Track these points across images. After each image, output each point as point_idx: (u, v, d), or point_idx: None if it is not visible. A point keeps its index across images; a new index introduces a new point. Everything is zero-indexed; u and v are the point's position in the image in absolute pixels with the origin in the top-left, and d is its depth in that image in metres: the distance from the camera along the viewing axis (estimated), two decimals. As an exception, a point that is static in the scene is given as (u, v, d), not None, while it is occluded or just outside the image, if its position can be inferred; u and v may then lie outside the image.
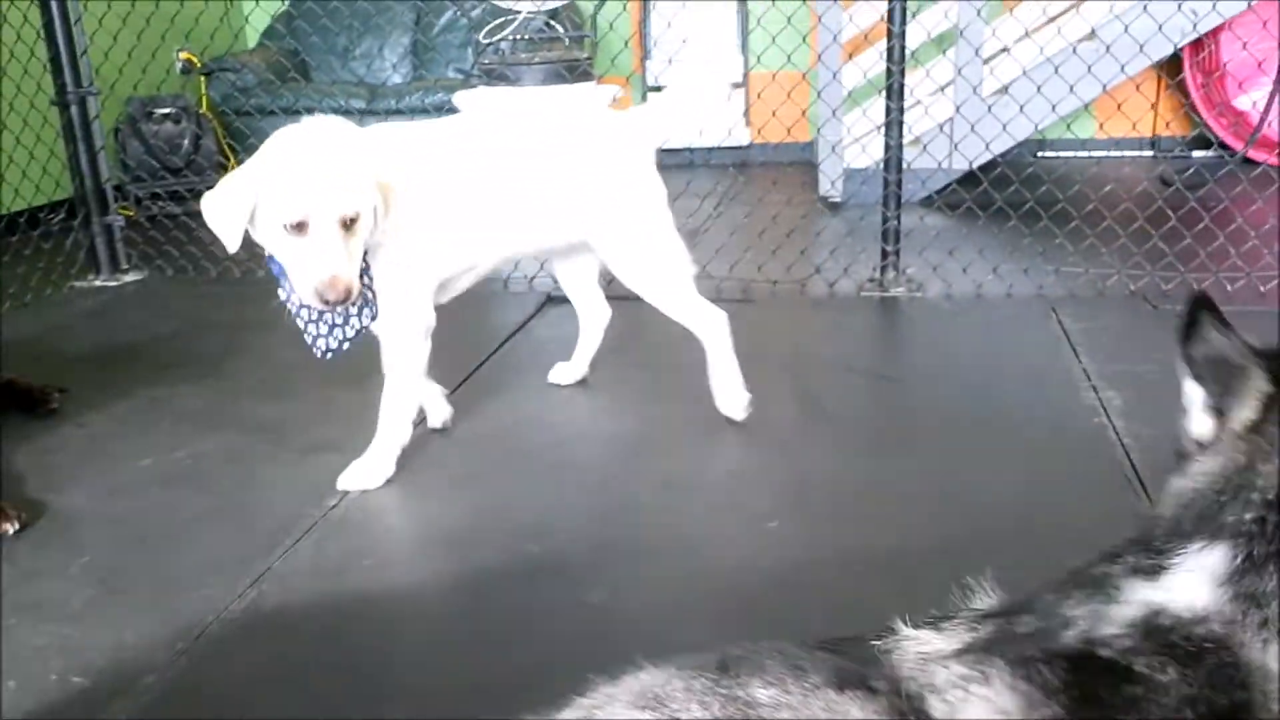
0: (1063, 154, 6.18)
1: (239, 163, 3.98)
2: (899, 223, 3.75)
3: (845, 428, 2.69)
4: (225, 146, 5.99)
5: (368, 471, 2.41)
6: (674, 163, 5.75)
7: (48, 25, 4.10)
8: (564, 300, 3.65)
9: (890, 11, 3.59)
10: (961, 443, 2.56)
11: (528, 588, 1.99)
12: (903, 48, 3.60)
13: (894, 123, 3.67)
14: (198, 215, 2.18)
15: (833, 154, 4.82)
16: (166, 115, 5.66)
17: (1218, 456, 0.90)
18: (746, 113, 6.53)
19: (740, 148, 6.47)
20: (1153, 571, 0.84)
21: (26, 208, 4.82)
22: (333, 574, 2.11)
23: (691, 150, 6.36)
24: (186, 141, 5.68)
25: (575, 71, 4.46)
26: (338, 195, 1.98)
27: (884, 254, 3.77)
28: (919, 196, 4.81)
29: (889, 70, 3.62)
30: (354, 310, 2.15)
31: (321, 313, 2.13)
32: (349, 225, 2.00)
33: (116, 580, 2.11)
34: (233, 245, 2.08)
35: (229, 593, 2.03)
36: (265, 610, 1.99)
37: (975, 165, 4.35)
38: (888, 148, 3.68)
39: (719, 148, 6.38)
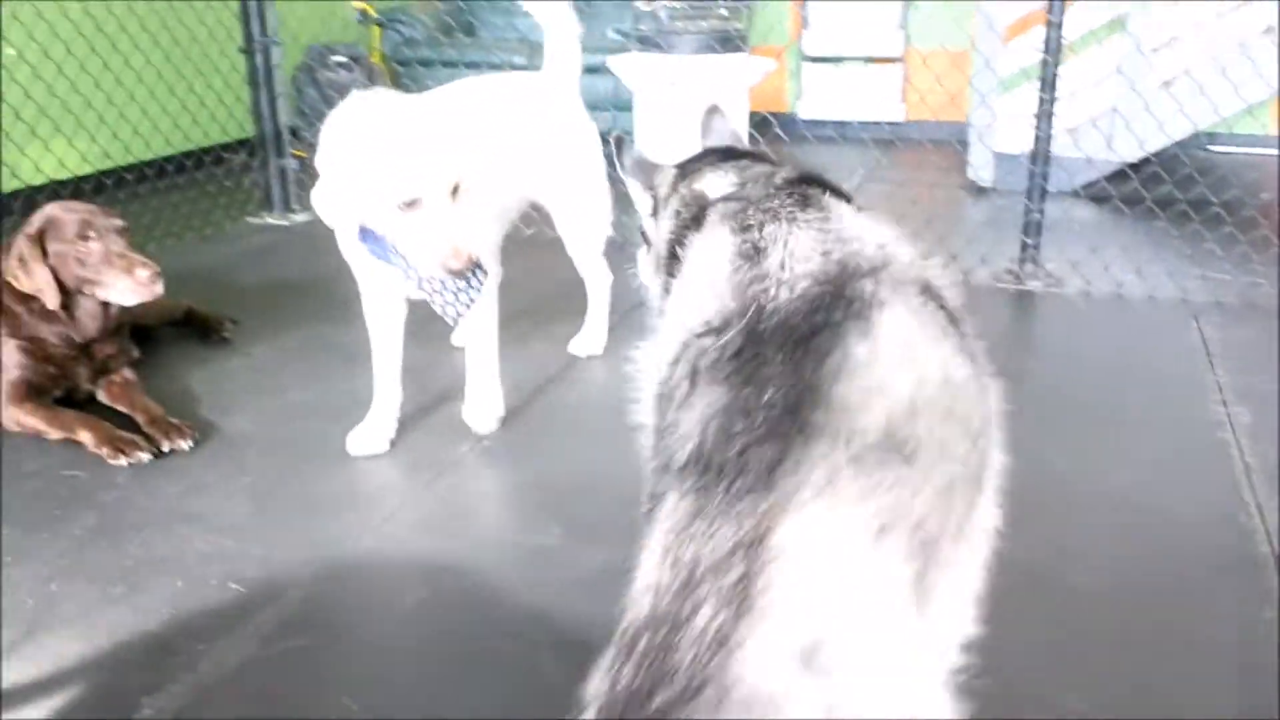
0: (1231, 149, 5.92)
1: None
2: (1041, 216, 3.71)
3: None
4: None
5: (486, 414, 2.57)
6: (823, 134, 5.75)
7: (241, -23, 4.38)
8: None
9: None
10: (1077, 446, 2.58)
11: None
12: (1059, 38, 3.54)
13: (1044, 114, 3.63)
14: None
15: (982, 139, 4.76)
16: (341, 63, 5.96)
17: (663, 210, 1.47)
18: (902, 88, 6.46)
19: (894, 124, 6.42)
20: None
21: (211, 145, 5.19)
22: (457, 517, 2.29)
23: (843, 124, 6.34)
24: (359, 87, 5.97)
25: (728, 42, 4.53)
26: (442, 167, 1.99)
27: (1023, 246, 3.75)
28: (1069, 187, 4.72)
29: (1044, 61, 3.57)
30: (473, 276, 2.22)
31: (443, 281, 2.21)
32: (454, 193, 2.02)
33: (271, 501, 2.35)
34: (350, 235, 2.15)
35: (364, 524, 2.24)
36: (390, 545, 2.18)
37: (1130, 162, 4.24)
38: (1036, 140, 3.65)
39: (871, 123, 6.35)
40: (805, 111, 6.49)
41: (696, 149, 1.57)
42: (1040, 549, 2.03)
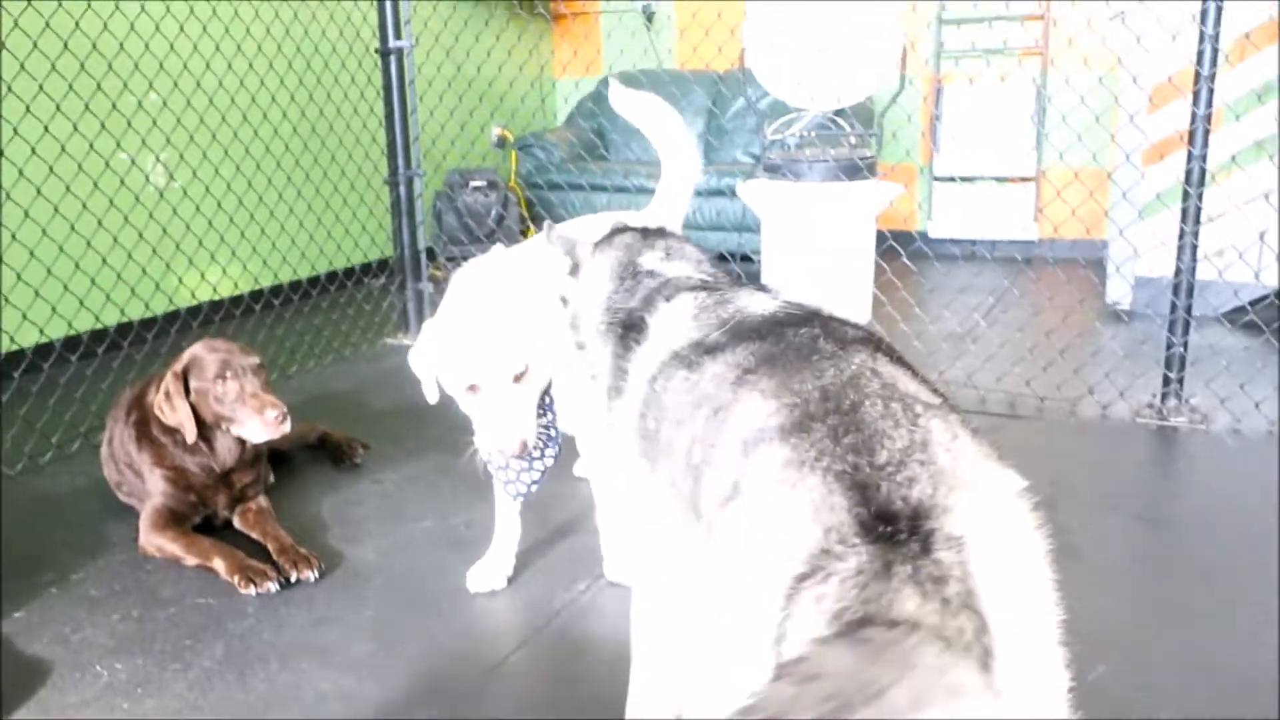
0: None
1: (536, 231, 4.32)
2: (1185, 349, 3.57)
3: (1098, 572, 2.60)
4: (527, 215, 6.49)
5: (619, 565, 2.57)
6: (956, 252, 5.68)
7: (389, 116, 4.64)
8: None
9: (1191, 130, 3.45)
10: (1224, 603, 2.42)
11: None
12: (1203, 169, 3.45)
13: (1187, 245, 3.52)
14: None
15: (1123, 264, 4.63)
16: (478, 187, 6.21)
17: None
18: (1036, 207, 6.37)
19: (1028, 242, 6.32)
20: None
21: (352, 266, 5.45)
22: (572, 660, 2.27)
23: (975, 242, 6.27)
24: (494, 210, 6.21)
25: (855, 170, 4.55)
26: (503, 357, 2.00)
27: (1166, 380, 3.60)
28: (1214, 312, 4.52)
29: (1185, 193, 3.47)
30: (537, 454, 2.19)
31: (507, 460, 2.18)
32: (519, 379, 2.02)
33: (392, 636, 2.38)
34: (431, 398, 2.15)
35: (480, 668, 2.24)
36: (511, 690, 2.18)
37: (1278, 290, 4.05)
38: (1178, 271, 3.53)
39: (1005, 241, 6.26)
40: (936, 231, 6.44)
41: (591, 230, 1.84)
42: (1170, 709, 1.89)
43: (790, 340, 1.33)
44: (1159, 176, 4.76)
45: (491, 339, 2.05)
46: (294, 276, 5.29)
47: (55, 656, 2.30)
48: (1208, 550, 2.71)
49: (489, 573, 2.58)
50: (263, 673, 2.24)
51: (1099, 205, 5.77)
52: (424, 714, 2.08)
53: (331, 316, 5.08)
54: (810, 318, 1.41)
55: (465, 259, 5.74)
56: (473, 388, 2.07)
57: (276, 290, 5.18)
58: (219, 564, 2.62)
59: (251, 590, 2.55)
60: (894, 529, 0.97)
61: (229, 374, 2.73)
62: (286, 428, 2.72)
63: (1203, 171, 3.45)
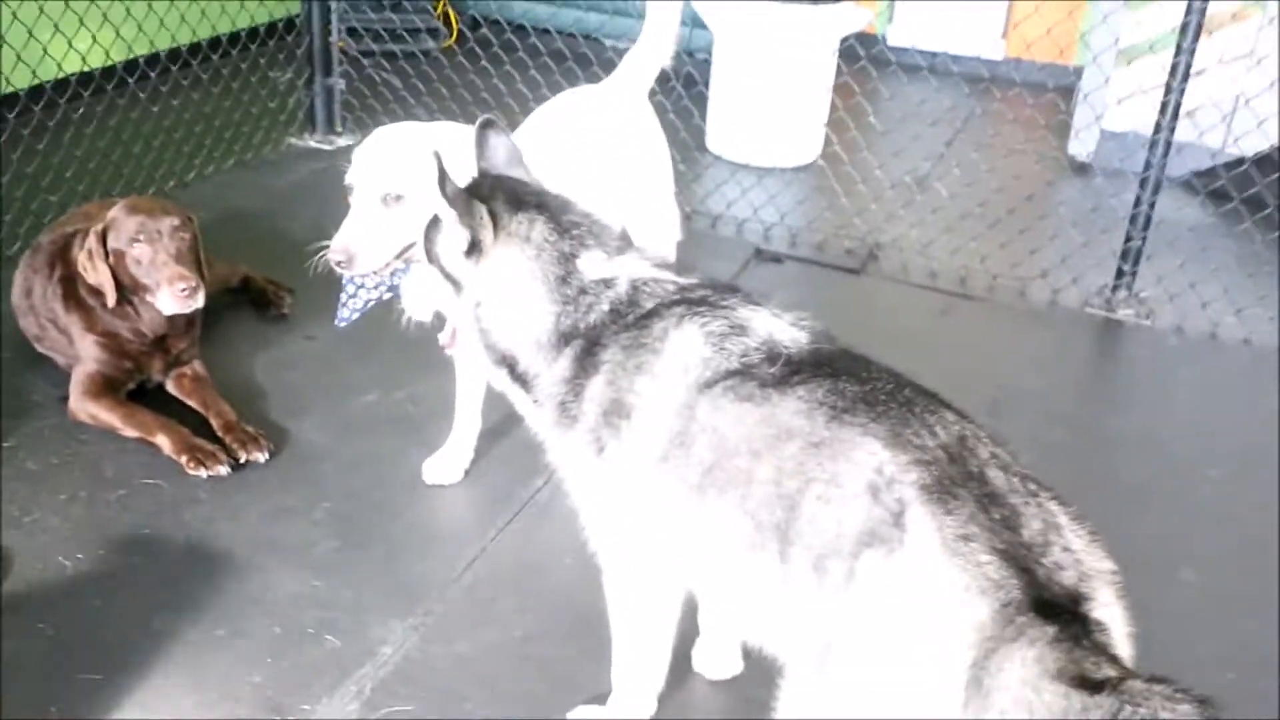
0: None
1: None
2: (1143, 243, 3.98)
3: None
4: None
5: None
6: (920, 62, 5.79)
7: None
8: (774, 257, 4.11)
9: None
10: (1144, 516, 2.88)
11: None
12: (1199, 24, 3.64)
13: (1171, 104, 3.74)
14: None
15: (1092, 106, 4.90)
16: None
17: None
18: (1006, 23, 6.57)
19: (991, 61, 6.54)
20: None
21: (248, 28, 5.38)
22: (537, 566, 2.67)
23: (934, 55, 6.44)
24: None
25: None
26: (381, 172, 2.33)
27: (1119, 272, 4.03)
28: (1181, 172, 4.81)
29: (1178, 47, 3.66)
30: (362, 285, 2.51)
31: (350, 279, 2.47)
32: (389, 203, 2.33)
33: (353, 533, 2.73)
34: None
35: (449, 571, 2.63)
36: (478, 595, 2.58)
37: (1252, 155, 4.27)
38: (1157, 128, 3.77)
39: (965, 58, 6.45)
40: (896, 38, 6.61)
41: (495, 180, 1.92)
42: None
43: (872, 382, 1.59)
44: (1143, 24, 5.02)
45: (387, 153, 2.38)
46: (174, 43, 5.18)
47: (13, 544, 2.59)
48: (1125, 458, 3.19)
49: (446, 465, 2.93)
50: (230, 571, 2.58)
51: (1074, 26, 6.05)
52: (399, 625, 2.46)
53: (224, 105, 5.08)
54: (850, 354, 1.71)
55: (375, 32, 5.72)
56: (348, 187, 2.43)
57: (153, 61, 4.99)
58: (163, 440, 2.90)
59: (202, 472, 2.85)
60: (1059, 609, 1.32)
61: (143, 237, 2.88)
62: (197, 302, 2.90)
63: (1199, 26, 3.65)
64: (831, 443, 1.54)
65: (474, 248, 1.81)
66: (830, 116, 5.11)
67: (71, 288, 2.99)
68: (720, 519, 1.65)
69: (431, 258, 1.90)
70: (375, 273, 2.45)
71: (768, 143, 4.97)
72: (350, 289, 2.56)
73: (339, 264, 2.39)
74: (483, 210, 1.79)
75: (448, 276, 1.88)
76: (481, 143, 1.95)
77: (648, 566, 1.93)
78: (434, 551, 2.69)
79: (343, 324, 2.60)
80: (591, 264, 1.84)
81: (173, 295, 2.86)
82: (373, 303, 2.57)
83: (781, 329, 1.74)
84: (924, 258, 4.26)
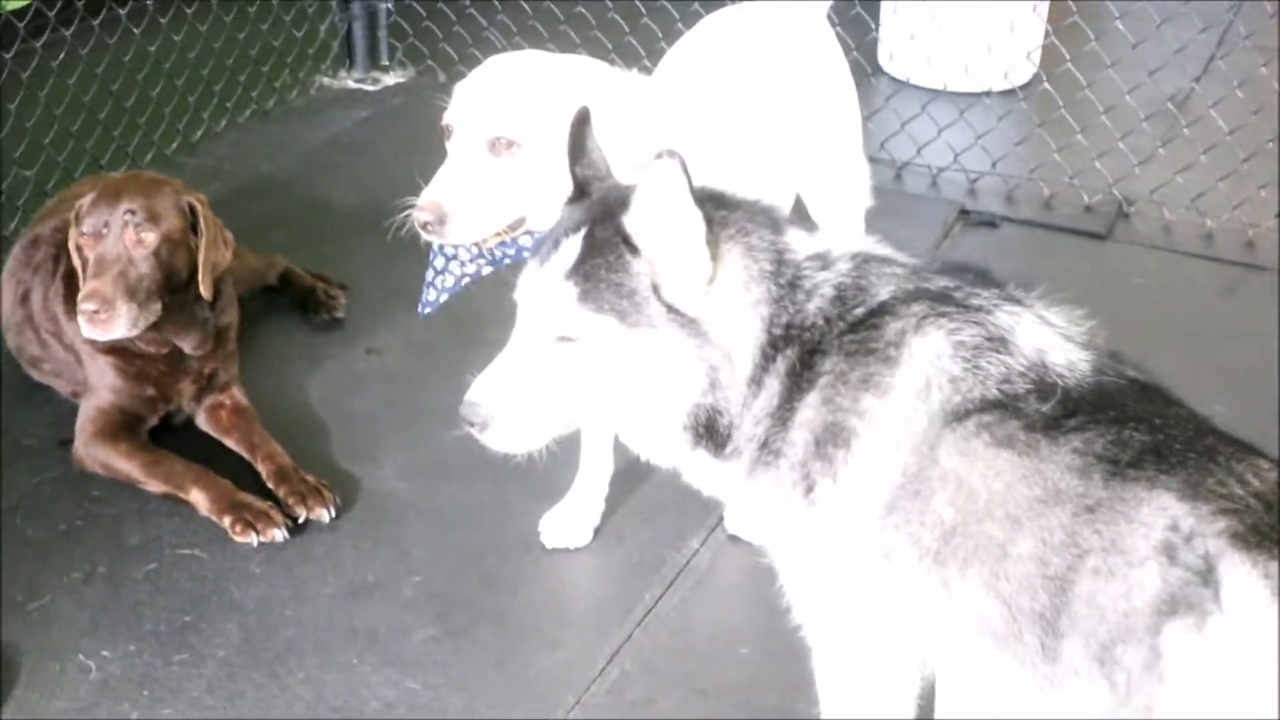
0: None
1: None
2: None
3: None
4: None
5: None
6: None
7: None
8: (987, 220, 4.10)
9: None
10: None
11: None
12: None
13: None
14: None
15: None
16: None
17: None
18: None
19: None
20: None
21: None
22: (704, 654, 2.69)
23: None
24: None
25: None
26: (492, 108, 2.36)
27: None
28: None
29: None
30: (456, 256, 2.52)
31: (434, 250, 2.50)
32: (497, 149, 2.36)
33: (456, 616, 2.78)
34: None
35: (586, 665, 2.67)
36: (628, 697, 2.61)
37: None
38: None
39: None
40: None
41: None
42: None
43: (1166, 430, 1.61)
44: None
45: (502, 86, 2.39)
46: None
47: (18, 639, 2.68)
48: None
49: (572, 523, 2.97)
50: (301, 671, 2.65)
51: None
52: (527, 738, 2.51)
53: (236, 36, 5.09)
54: (1142, 387, 1.73)
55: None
56: (447, 130, 2.44)
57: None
58: (198, 497, 2.98)
59: (252, 539, 2.92)
60: None
61: (90, 230, 2.91)
62: (107, 332, 2.86)
63: None
64: (1110, 503, 1.57)
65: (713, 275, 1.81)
66: (1053, 14, 5.03)
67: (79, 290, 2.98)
68: (963, 601, 1.67)
69: (641, 319, 1.78)
70: (475, 244, 2.46)
71: (968, 57, 4.95)
72: (440, 262, 2.56)
73: (427, 227, 2.38)
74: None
75: (689, 328, 1.80)
76: (579, 142, 1.95)
77: (872, 648, 1.93)
78: (565, 639, 2.74)
79: (427, 309, 2.62)
80: (798, 242, 1.87)
81: (80, 313, 2.86)
82: (467, 280, 2.57)
83: (1055, 346, 1.74)
84: (1195, 214, 4.23)
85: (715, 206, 1.82)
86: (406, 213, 2.41)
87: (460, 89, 2.43)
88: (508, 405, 1.87)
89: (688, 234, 1.72)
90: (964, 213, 4.33)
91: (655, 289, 1.75)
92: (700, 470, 1.95)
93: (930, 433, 1.69)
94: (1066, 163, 4.43)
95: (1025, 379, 1.70)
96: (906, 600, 1.74)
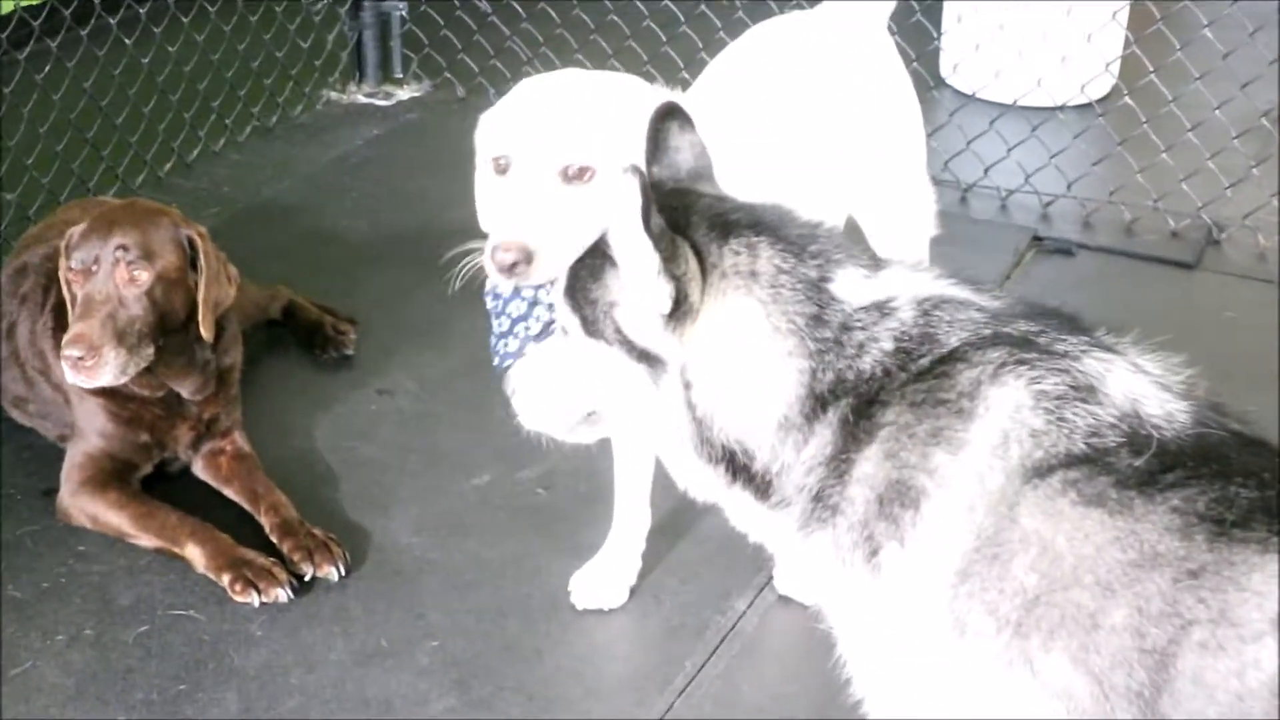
0: None
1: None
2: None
3: None
4: None
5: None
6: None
7: None
8: (1062, 247, 4.08)
9: None
10: None
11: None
12: None
13: None
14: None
15: None
16: None
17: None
18: None
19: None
20: None
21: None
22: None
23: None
24: None
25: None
26: (562, 133, 2.33)
27: None
28: None
29: None
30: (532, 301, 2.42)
31: (500, 298, 2.41)
32: (571, 178, 2.32)
33: (478, 685, 2.77)
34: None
35: (628, 744, 2.65)
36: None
37: None
38: None
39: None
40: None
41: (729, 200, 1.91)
42: None
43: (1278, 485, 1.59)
44: None
45: (566, 109, 2.36)
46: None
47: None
48: None
49: (604, 582, 2.96)
50: (307, 746, 2.64)
51: None
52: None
53: (236, 46, 5.11)
54: (1248, 439, 1.70)
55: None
56: (500, 163, 2.38)
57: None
58: (195, 552, 2.98)
59: (253, 598, 2.92)
60: None
61: (79, 265, 2.91)
62: (92, 379, 2.86)
63: None
64: (1217, 568, 1.54)
65: (679, 306, 1.79)
66: (1134, 21, 5.02)
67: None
68: (1049, 678, 1.64)
69: (598, 330, 1.86)
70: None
71: (1040, 69, 4.87)
72: (518, 306, 2.48)
73: (514, 269, 2.31)
74: (687, 250, 1.79)
75: (637, 354, 1.85)
76: (660, 141, 1.96)
77: None
78: (597, 711, 2.71)
79: (508, 363, 2.48)
80: (852, 286, 1.83)
81: (64, 361, 2.85)
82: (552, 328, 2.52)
83: (1150, 395, 1.72)
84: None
85: (725, 235, 1.82)
86: (470, 261, 2.38)
87: (513, 116, 2.41)
88: (529, 378, 2.01)
89: (636, 262, 1.74)
90: (1036, 239, 4.32)
91: (612, 306, 1.81)
92: (744, 513, 1.94)
93: (1009, 491, 1.67)
94: (1150, 184, 4.42)
95: (1116, 431, 1.67)
96: (982, 676, 1.71)
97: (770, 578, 2.98)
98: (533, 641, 2.89)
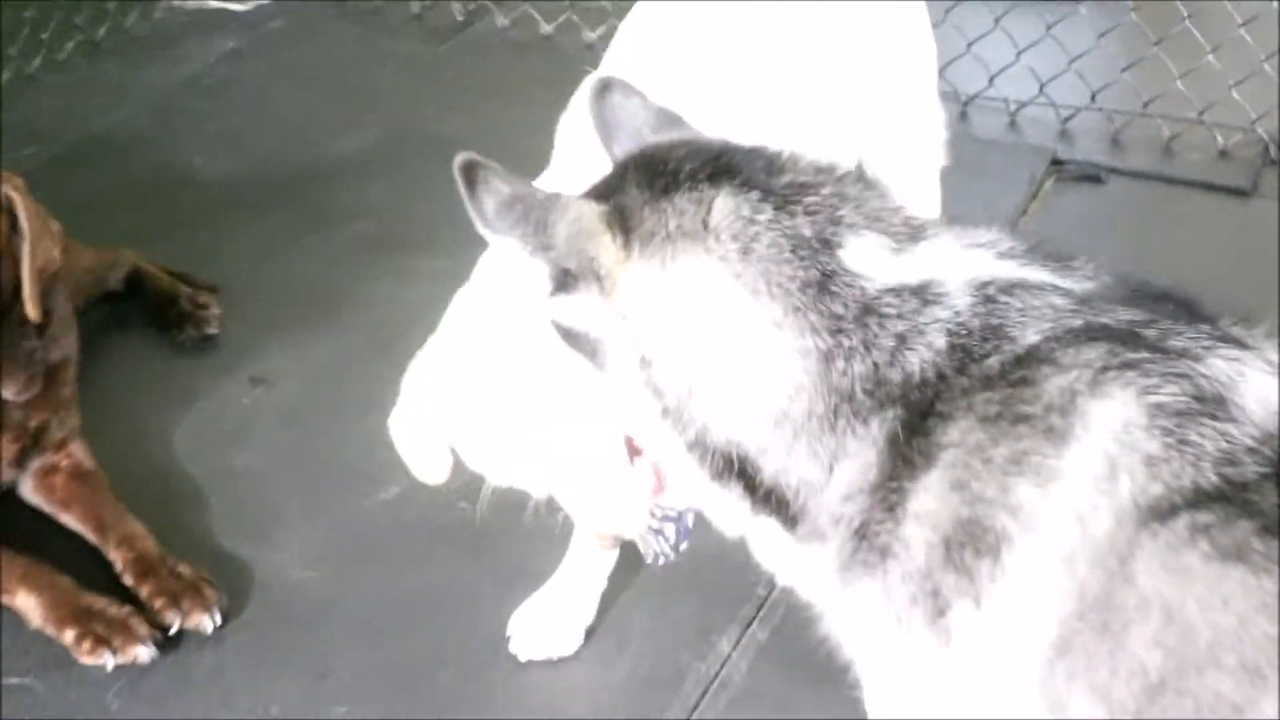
0: None
1: None
2: None
3: None
4: None
5: None
6: None
7: None
8: (1088, 173, 3.99)
9: None
10: None
11: None
12: None
13: None
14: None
15: None
16: None
17: None
18: None
19: None
20: None
21: None
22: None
23: None
24: None
25: None
26: None
27: None
28: None
29: None
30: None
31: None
32: None
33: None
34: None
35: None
36: None
37: None
38: None
39: None
40: None
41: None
42: None
43: None
44: None
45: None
46: None
47: None
48: None
49: (553, 624, 2.81)
50: None
51: None
52: None
53: None
54: None
55: None
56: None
57: None
58: (28, 603, 2.82)
59: (105, 659, 2.75)
60: None
61: None
62: None
63: None
64: None
65: (566, 283, 1.77)
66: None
67: None
68: None
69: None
70: None
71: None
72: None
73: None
74: (572, 221, 1.76)
75: (569, 339, 1.85)
76: (604, 116, 1.94)
77: None
78: None
79: (668, 560, 2.46)
80: (873, 259, 1.72)
81: None
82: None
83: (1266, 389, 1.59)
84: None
85: (667, 189, 1.76)
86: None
87: None
88: None
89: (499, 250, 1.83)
90: (1056, 163, 4.22)
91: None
92: (774, 551, 1.86)
93: (1120, 539, 1.54)
94: (1192, 93, 4.32)
95: (1257, 458, 1.53)
96: None
97: (760, 608, 2.88)
98: (466, 703, 2.74)
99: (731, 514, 1.83)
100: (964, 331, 1.65)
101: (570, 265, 1.74)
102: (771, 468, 1.73)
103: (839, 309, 1.68)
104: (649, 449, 1.92)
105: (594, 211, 1.74)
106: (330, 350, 3.47)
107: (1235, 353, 1.60)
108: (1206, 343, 1.61)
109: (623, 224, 1.73)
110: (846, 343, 1.67)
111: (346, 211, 3.88)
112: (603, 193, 1.78)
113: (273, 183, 3.93)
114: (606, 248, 1.73)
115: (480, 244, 1.91)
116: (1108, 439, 1.56)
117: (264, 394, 3.42)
